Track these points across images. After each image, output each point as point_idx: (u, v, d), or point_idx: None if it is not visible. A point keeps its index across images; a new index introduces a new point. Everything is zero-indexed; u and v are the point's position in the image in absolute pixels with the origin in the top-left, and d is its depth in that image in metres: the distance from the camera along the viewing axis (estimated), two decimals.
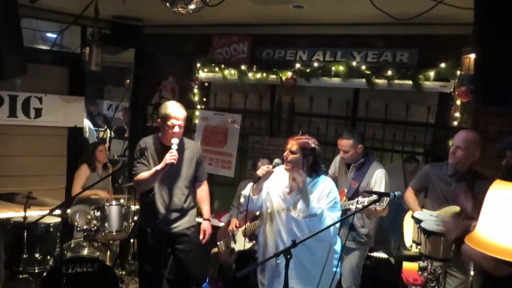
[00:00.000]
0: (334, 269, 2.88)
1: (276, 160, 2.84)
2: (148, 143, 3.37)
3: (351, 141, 3.55)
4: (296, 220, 2.79)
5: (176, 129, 3.24)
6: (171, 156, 3.11)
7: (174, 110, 3.26)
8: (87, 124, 6.64)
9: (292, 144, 2.80)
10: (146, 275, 3.53)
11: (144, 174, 3.25)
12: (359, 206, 3.21)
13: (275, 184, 2.95)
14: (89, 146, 4.90)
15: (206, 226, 3.54)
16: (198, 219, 3.63)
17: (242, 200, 2.99)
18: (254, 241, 3.96)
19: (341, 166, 3.80)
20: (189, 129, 4.69)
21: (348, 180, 3.65)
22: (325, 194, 2.78)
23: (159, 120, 3.32)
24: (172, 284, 3.99)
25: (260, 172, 2.80)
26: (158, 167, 3.17)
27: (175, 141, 3.19)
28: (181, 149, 3.29)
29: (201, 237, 3.52)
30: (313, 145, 2.79)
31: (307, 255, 2.78)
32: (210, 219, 3.63)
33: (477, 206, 2.31)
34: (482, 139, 3.20)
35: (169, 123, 3.22)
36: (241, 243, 3.99)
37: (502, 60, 1.56)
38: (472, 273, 3.26)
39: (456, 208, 3.09)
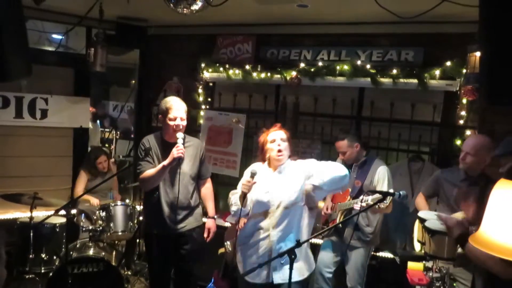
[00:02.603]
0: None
1: (252, 171, 2.79)
2: (150, 141, 3.34)
3: (346, 141, 3.62)
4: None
5: (178, 122, 3.21)
6: (178, 150, 3.08)
7: (175, 103, 3.24)
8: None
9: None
10: (156, 276, 3.51)
11: (150, 171, 3.20)
12: (364, 204, 3.20)
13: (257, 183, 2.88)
14: (91, 153, 4.87)
15: (211, 224, 3.52)
16: (204, 219, 3.60)
17: (234, 208, 2.91)
18: None
19: None
20: (194, 129, 4.70)
21: (351, 179, 3.65)
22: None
23: (160, 116, 3.29)
24: (174, 284, 3.99)
25: (244, 188, 2.76)
26: (165, 162, 3.12)
27: (180, 135, 3.16)
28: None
29: (205, 235, 3.50)
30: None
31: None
32: (215, 217, 3.60)
33: (480, 212, 2.26)
34: (492, 143, 3.03)
35: (171, 116, 3.20)
36: None
37: (508, 58, 1.54)
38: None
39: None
